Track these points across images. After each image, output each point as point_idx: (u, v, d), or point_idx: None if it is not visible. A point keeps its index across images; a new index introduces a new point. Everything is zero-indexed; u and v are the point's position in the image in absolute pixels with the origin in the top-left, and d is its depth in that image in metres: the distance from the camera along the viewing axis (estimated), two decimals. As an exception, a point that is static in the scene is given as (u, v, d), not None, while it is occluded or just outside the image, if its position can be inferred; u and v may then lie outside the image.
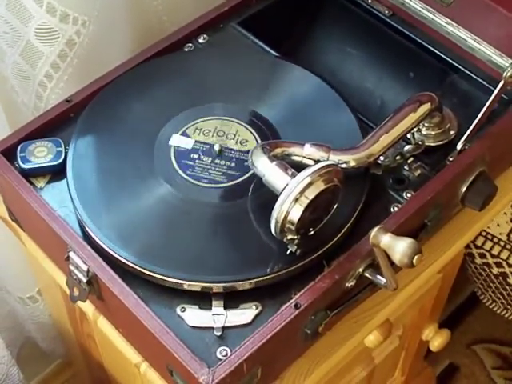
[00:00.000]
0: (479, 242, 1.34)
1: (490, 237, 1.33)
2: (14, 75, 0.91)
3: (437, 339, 1.18)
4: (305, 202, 0.68)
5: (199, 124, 0.81)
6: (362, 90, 0.94)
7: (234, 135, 0.81)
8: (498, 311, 1.44)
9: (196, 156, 0.79)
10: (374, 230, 0.67)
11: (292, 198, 0.68)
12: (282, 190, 0.69)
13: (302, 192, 0.68)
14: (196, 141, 0.80)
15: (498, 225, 1.32)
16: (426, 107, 0.79)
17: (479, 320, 1.57)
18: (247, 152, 0.79)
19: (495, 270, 1.36)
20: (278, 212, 0.69)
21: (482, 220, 0.89)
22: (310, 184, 0.68)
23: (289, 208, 0.68)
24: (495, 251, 1.34)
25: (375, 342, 0.91)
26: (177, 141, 0.79)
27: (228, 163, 0.78)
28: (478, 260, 1.36)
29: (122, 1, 0.93)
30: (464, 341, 1.55)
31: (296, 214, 0.68)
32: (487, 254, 1.35)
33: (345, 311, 0.76)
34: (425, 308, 1.11)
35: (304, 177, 0.69)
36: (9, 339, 1.19)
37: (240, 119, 0.82)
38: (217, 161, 0.78)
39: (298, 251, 0.72)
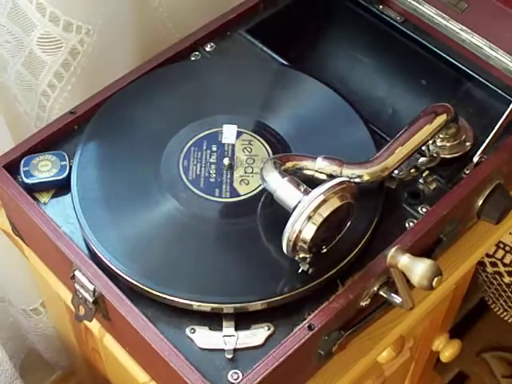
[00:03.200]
0: (491, 251, 1.32)
1: (501, 245, 1.31)
2: (17, 85, 0.88)
3: (448, 350, 1.16)
4: (318, 220, 0.66)
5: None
6: (373, 98, 0.91)
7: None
8: (510, 320, 1.41)
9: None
10: (392, 251, 0.64)
11: (305, 216, 0.66)
12: (295, 208, 0.67)
13: (315, 210, 0.66)
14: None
15: (511, 233, 1.30)
16: (441, 118, 0.77)
17: (489, 327, 1.54)
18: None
19: (507, 279, 1.33)
20: (291, 231, 0.66)
21: (498, 232, 0.87)
22: (323, 201, 0.66)
23: (301, 226, 0.66)
24: (507, 260, 1.32)
25: (387, 358, 0.89)
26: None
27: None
28: (490, 269, 1.34)
29: (127, 9, 0.90)
30: (474, 348, 1.53)
31: (309, 233, 0.66)
32: (499, 262, 1.32)
33: (359, 331, 0.74)
34: (436, 319, 1.09)
35: (318, 194, 0.66)
36: (12, 350, 1.17)
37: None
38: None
39: (310, 270, 0.70)
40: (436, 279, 0.63)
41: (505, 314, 1.41)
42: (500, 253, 1.32)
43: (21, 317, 1.13)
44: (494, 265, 1.33)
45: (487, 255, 1.33)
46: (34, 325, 1.14)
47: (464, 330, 1.51)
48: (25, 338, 1.19)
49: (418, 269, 0.63)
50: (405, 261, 0.64)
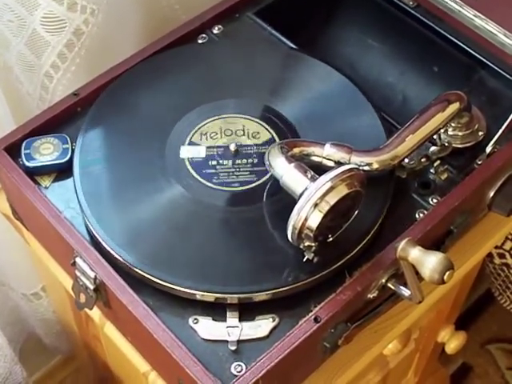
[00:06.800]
0: (499, 242, 1.30)
1: (510, 236, 1.29)
2: (19, 65, 0.86)
3: (453, 342, 1.15)
4: (325, 207, 0.64)
5: (204, 128, 0.77)
6: (383, 84, 0.89)
7: (243, 130, 0.77)
8: (516, 313, 1.40)
9: (215, 162, 0.74)
10: (403, 243, 0.62)
11: (311, 203, 0.64)
12: (301, 194, 0.65)
13: (322, 197, 0.64)
14: (207, 147, 0.75)
15: (520, 224, 1.28)
16: (454, 107, 0.75)
17: (494, 318, 1.53)
18: (263, 144, 0.75)
19: (514, 271, 1.32)
20: (296, 218, 0.65)
21: (509, 225, 0.85)
22: (331, 189, 0.64)
23: (308, 214, 0.64)
24: (515, 252, 1.31)
25: (393, 350, 0.88)
26: (187, 152, 0.75)
27: (250, 160, 0.74)
28: (497, 260, 1.32)
29: (133, -12, 0.88)
30: (478, 340, 1.51)
31: (315, 221, 0.64)
32: (507, 254, 1.31)
33: (366, 323, 0.72)
34: (442, 310, 1.07)
35: (325, 181, 0.64)
36: (12, 334, 1.16)
37: (243, 114, 0.78)
38: (238, 161, 0.74)
39: (315, 259, 0.68)
40: (448, 273, 0.61)
41: (511, 305, 1.39)
42: (508, 244, 1.30)
43: (21, 301, 1.12)
44: (501, 256, 1.32)
45: (495, 246, 1.31)
46: (34, 309, 1.13)
47: (469, 321, 1.50)
48: (25, 322, 1.18)
49: (429, 262, 0.61)
50: (415, 254, 0.62)
